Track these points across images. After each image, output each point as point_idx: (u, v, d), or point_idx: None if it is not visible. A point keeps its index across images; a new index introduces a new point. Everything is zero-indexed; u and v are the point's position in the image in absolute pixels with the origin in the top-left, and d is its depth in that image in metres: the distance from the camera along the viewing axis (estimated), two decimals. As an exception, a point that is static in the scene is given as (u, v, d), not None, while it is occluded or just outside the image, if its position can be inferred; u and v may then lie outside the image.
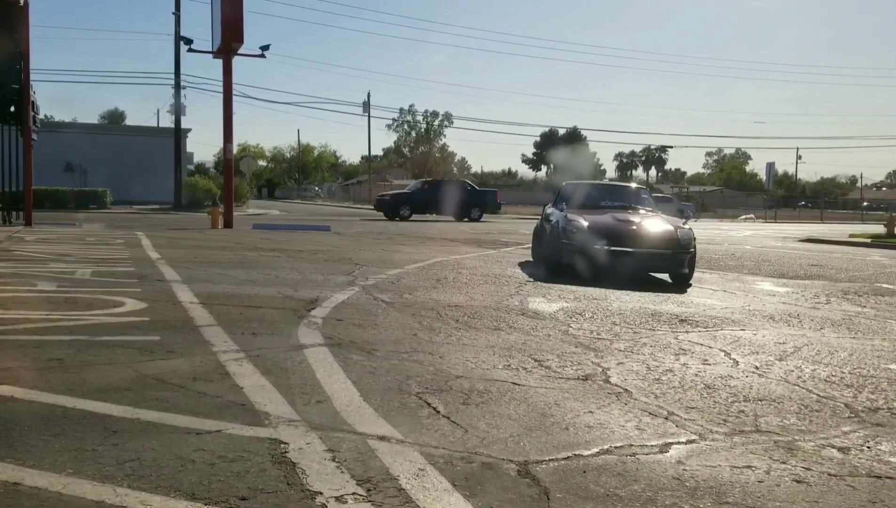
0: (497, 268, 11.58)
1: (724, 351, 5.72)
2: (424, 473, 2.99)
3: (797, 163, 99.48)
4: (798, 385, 4.72)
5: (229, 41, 21.27)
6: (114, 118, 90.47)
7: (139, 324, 5.78)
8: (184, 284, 8.14)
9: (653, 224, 10.99)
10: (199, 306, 6.69)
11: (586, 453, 3.33)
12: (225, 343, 5.19)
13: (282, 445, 3.23)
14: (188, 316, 6.17)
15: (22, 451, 3.00)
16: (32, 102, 18.65)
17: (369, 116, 71.23)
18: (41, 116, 23.44)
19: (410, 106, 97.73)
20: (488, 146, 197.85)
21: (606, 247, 10.36)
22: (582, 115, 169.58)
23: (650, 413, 3.99)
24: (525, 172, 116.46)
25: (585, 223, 10.74)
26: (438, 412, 3.84)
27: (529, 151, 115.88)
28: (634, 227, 10.79)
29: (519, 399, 4.15)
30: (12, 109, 17.45)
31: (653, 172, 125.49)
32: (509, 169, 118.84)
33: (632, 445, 3.47)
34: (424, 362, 4.95)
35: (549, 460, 3.23)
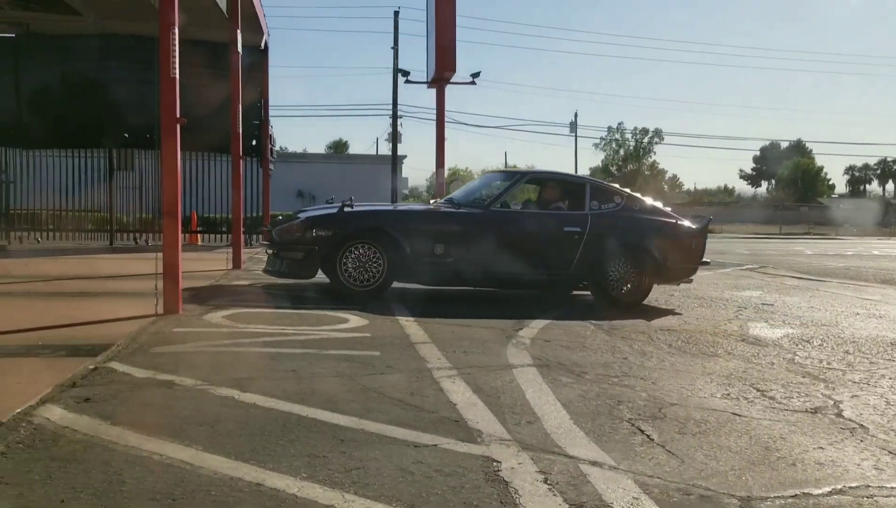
0: (713, 291, 11.05)
1: (983, 388, 5.06)
2: (639, 502, 2.93)
3: None
4: None
5: (442, 70, 22.24)
6: (338, 148, 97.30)
7: (362, 340, 6.16)
8: (399, 302, 8.57)
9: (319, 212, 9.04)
10: (414, 323, 7.01)
11: (816, 492, 3.09)
12: (438, 360, 5.40)
13: (494, 463, 3.30)
14: (405, 333, 6.49)
15: (263, 454, 3.31)
16: (270, 135, 20.58)
17: (576, 136, 71.00)
18: (277, 147, 25.81)
19: (619, 124, 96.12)
20: (703, 162, 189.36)
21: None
22: (807, 126, 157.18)
23: (890, 452, 3.62)
24: (743, 188, 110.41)
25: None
26: (652, 439, 3.74)
27: (748, 165, 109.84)
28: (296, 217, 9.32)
29: (740, 431, 3.94)
30: (253, 142, 19.34)
31: (890, 185, 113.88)
32: (725, 185, 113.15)
33: (869, 486, 3.17)
34: (636, 387, 4.84)
35: (775, 497, 3.03)
